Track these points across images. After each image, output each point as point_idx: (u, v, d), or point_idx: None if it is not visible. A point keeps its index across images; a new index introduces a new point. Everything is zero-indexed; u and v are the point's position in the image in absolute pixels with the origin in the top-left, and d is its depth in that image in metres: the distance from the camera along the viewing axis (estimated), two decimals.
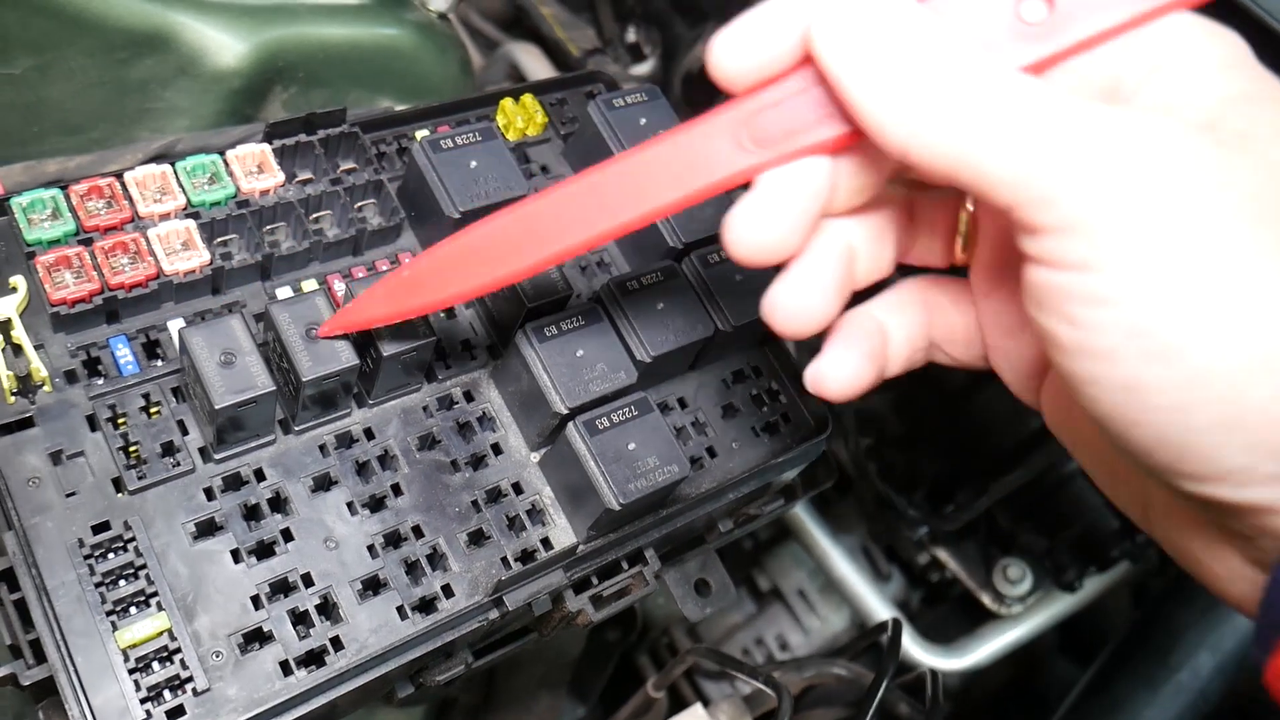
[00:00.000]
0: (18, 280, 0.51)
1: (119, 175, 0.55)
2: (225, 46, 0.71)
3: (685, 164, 0.40)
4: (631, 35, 1.14)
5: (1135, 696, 0.89)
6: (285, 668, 0.48)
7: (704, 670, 1.10)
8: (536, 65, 1.15)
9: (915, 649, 0.99)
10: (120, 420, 0.51)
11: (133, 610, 0.47)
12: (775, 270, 0.41)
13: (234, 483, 0.51)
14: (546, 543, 0.56)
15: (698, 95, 1.06)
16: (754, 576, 1.19)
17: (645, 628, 1.04)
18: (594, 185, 0.41)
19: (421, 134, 0.64)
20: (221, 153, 0.57)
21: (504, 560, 0.55)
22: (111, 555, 0.48)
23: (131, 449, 0.50)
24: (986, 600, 0.99)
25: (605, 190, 0.41)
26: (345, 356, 0.50)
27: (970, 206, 0.44)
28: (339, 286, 0.58)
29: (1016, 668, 1.36)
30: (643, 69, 1.13)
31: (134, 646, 0.46)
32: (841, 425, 0.99)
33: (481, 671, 0.90)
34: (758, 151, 0.39)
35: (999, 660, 1.04)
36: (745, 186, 0.40)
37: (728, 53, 0.38)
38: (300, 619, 0.50)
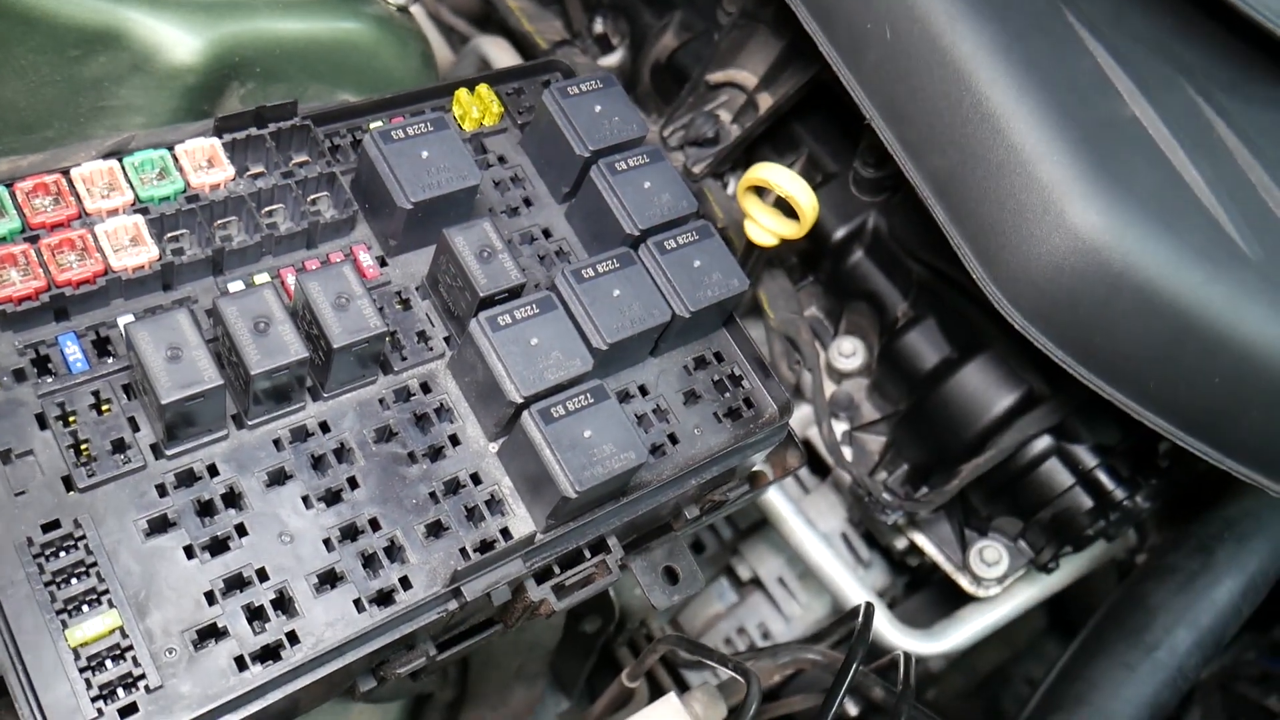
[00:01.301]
0: None
1: (65, 172, 0.54)
2: (179, 43, 0.70)
3: None
4: (599, 26, 1.14)
5: (1113, 676, 0.88)
6: (240, 663, 0.48)
7: (682, 660, 1.10)
8: (505, 58, 1.15)
9: (893, 633, 0.99)
10: (70, 418, 0.50)
11: (84, 608, 0.47)
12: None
13: (187, 479, 0.51)
14: (506, 533, 0.55)
15: (666, 84, 1.06)
16: (734, 565, 1.18)
17: (624, 618, 1.04)
18: None
19: (375, 125, 0.64)
20: (171, 148, 0.57)
21: (463, 551, 0.54)
22: (62, 554, 0.48)
23: (82, 447, 0.50)
24: (964, 583, 0.98)
25: None
26: (294, 349, 0.50)
27: None
28: (292, 280, 0.57)
29: (1005, 651, 1.36)
30: (611, 60, 1.12)
31: (85, 645, 0.46)
32: (817, 410, 0.98)
33: (454, 665, 0.89)
34: None
35: (988, 643, 1.04)
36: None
37: None
38: (255, 614, 0.50)
